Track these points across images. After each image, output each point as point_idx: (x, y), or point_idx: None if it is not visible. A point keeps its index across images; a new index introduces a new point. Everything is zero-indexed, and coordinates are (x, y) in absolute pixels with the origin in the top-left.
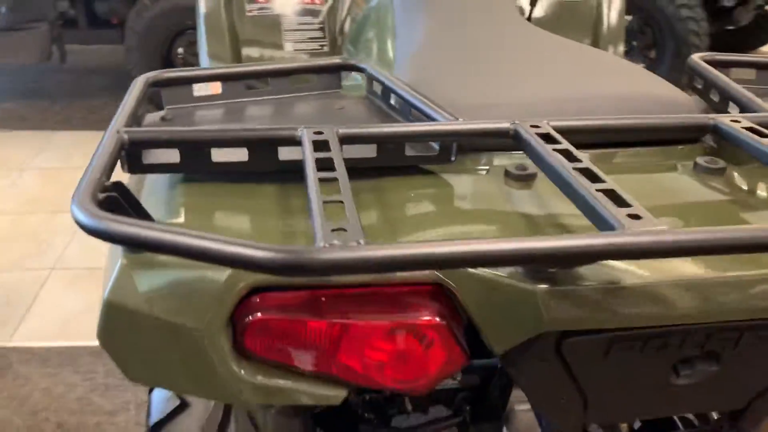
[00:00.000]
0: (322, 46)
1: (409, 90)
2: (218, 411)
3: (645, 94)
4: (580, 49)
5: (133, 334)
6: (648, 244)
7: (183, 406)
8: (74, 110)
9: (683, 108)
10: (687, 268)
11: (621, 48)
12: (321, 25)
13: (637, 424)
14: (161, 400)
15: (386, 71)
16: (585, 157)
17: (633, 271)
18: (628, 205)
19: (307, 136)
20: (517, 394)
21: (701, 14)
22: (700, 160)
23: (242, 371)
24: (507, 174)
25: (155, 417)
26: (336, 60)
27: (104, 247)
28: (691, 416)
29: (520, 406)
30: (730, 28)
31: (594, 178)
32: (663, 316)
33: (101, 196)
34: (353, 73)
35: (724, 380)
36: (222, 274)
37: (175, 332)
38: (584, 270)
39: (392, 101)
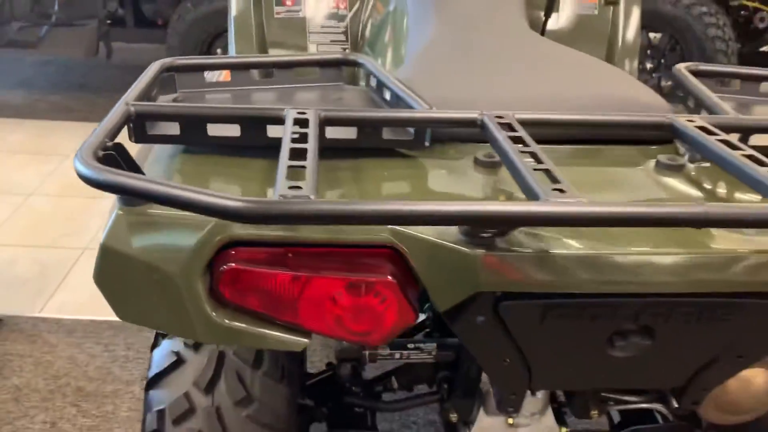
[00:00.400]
0: (344, 48)
1: (398, 83)
2: (210, 368)
3: (619, 96)
4: (573, 56)
5: (123, 277)
6: (562, 213)
7: (179, 363)
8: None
9: (655, 110)
10: (615, 241)
11: (635, 63)
12: (344, 29)
13: (617, 418)
14: (160, 356)
15: (390, 68)
16: (534, 145)
17: (563, 241)
18: (557, 182)
19: (290, 115)
20: None
21: (730, 34)
22: (662, 157)
23: (215, 314)
24: (476, 161)
25: (153, 371)
26: (337, 55)
27: None
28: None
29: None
30: (765, 50)
31: (537, 160)
32: (593, 285)
33: (101, 153)
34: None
35: (660, 356)
36: (202, 228)
37: (159, 276)
38: (518, 237)
39: (386, 94)
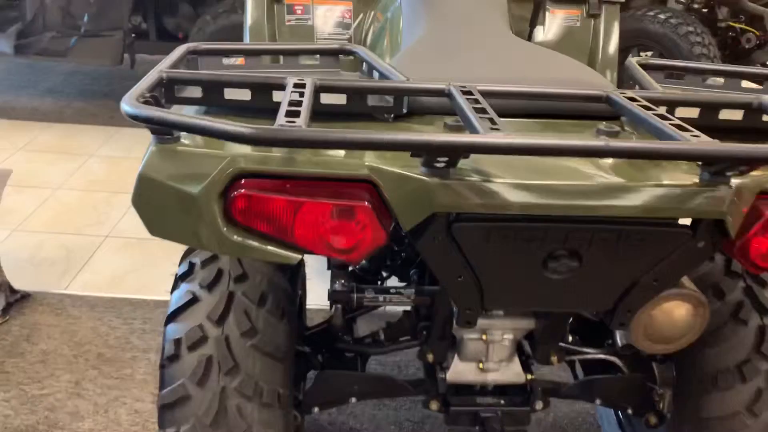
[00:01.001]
0: None
1: (384, 65)
2: (221, 305)
3: (570, 77)
4: (539, 50)
5: (155, 199)
6: (493, 142)
7: (194, 300)
8: None
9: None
10: (545, 172)
11: (615, 72)
12: (349, 36)
13: (579, 371)
14: (178, 296)
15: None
16: (486, 104)
17: (503, 172)
18: (495, 124)
19: (291, 82)
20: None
21: (715, 51)
22: (602, 126)
23: (226, 230)
24: (445, 125)
25: (172, 308)
26: (335, 45)
27: None
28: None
29: (469, 334)
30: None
31: (484, 112)
32: (525, 208)
33: (141, 99)
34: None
35: (588, 279)
36: (219, 161)
37: (184, 199)
38: (466, 168)
39: (374, 75)
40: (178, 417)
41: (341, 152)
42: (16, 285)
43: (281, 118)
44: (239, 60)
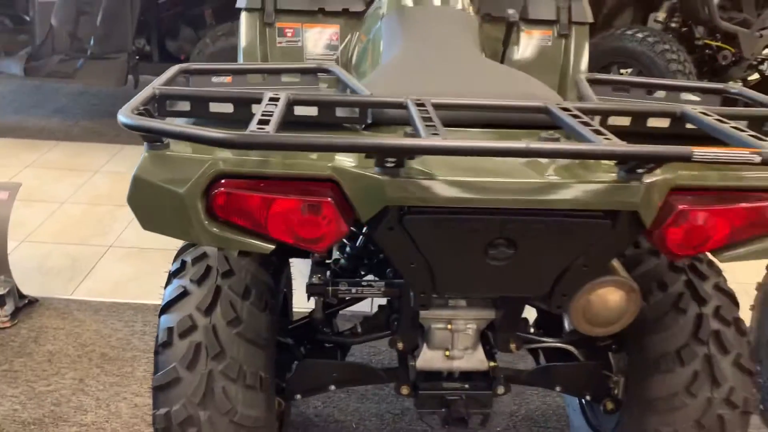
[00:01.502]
0: None
1: (354, 82)
2: (209, 297)
3: (521, 91)
4: (500, 68)
5: (147, 198)
6: (430, 145)
7: (185, 294)
8: None
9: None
10: (481, 171)
11: None
12: (336, 57)
13: (542, 361)
14: (171, 290)
15: (352, 75)
16: (434, 114)
17: (444, 171)
18: (436, 130)
19: (267, 96)
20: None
21: (690, 68)
22: (544, 134)
23: (208, 224)
24: (405, 134)
25: (165, 301)
26: (313, 65)
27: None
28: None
29: (436, 324)
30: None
31: (430, 121)
32: (465, 201)
33: (136, 111)
34: None
35: (525, 265)
36: (201, 164)
37: (172, 197)
38: (413, 167)
39: (347, 90)
40: (170, 397)
41: (309, 155)
42: (25, 291)
43: (253, 125)
44: (227, 79)
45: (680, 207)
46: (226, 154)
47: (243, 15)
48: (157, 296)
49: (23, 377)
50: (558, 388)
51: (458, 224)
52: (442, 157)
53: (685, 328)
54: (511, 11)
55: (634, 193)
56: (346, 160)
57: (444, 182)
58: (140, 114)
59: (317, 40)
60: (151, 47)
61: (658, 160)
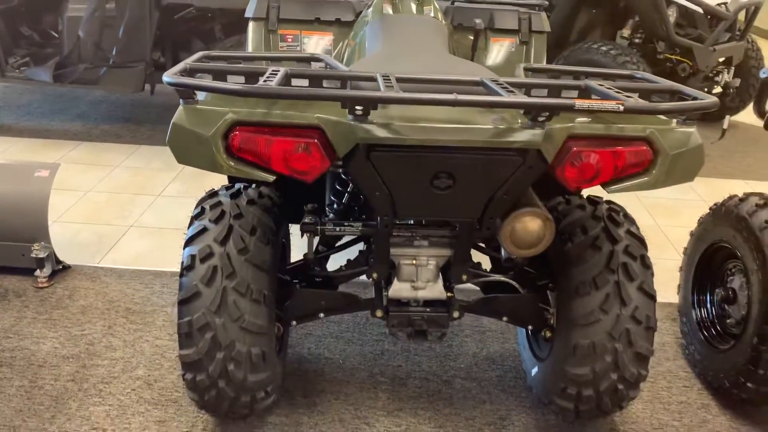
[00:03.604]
0: None
1: (340, 66)
2: (223, 232)
3: (470, 73)
4: (457, 60)
5: (182, 139)
6: (385, 96)
7: (204, 230)
8: (157, 132)
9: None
10: (427, 119)
11: None
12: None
13: (487, 291)
14: (193, 228)
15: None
16: (395, 83)
17: (401, 116)
18: (391, 88)
19: (269, 70)
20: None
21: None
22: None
23: (226, 158)
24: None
25: (188, 236)
26: (307, 54)
27: (167, 214)
28: (517, 284)
29: (404, 260)
30: None
31: (389, 84)
32: (414, 140)
33: (179, 73)
34: None
35: (462, 193)
36: (222, 115)
37: (200, 138)
38: (376, 115)
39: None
40: (192, 308)
41: (300, 109)
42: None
43: (260, 82)
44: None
45: (574, 149)
46: (239, 108)
47: (250, 23)
48: (172, 265)
49: (61, 324)
50: (505, 318)
51: (411, 159)
52: (401, 110)
53: (599, 261)
54: (477, 21)
55: (537, 136)
56: (328, 112)
57: (398, 126)
58: (181, 72)
59: (314, 44)
60: (166, 58)
61: (550, 109)
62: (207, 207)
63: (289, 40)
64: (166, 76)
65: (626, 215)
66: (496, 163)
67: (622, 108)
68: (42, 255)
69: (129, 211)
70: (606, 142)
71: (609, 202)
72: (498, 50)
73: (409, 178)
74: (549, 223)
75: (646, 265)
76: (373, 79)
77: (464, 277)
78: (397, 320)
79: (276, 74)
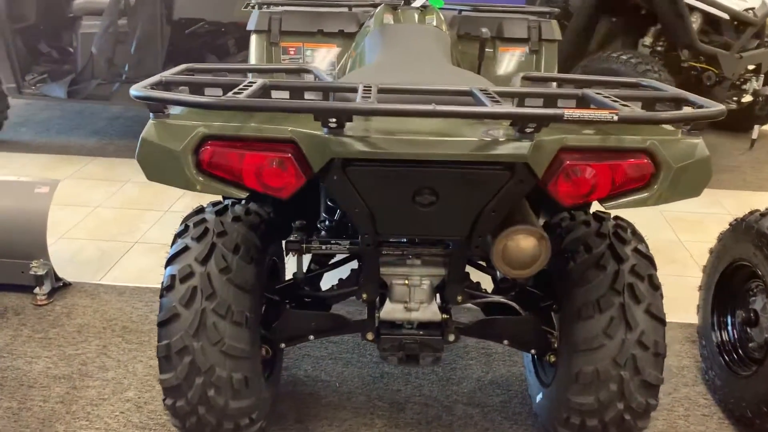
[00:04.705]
0: None
1: (325, 77)
2: (205, 250)
3: (462, 82)
4: (454, 69)
5: (151, 155)
6: (358, 108)
7: (186, 248)
8: None
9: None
10: (407, 132)
11: None
12: (333, 71)
13: (487, 313)
14: (176, 247)
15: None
16: (374, 94)
17: (378, 129)
18: (368, 99)
19: (246, 81)
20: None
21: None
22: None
23: (196, 174)
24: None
25: (170, 254)
26: (297, 66)
27: (174, 230)
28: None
29: (396, 280)
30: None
31: (368, 95)
32: (393, 154)
33: (147, 86)
34: None
35: (446, 210)
36: (192, 129)
37: (170, 153)
38: (351, 128)
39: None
40: (171, 331)
41: (275, 121)
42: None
43: (229, 95)
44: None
45: (567, 162)
46: (210, 121)
47: (252, 36)
48: None
49: (56, 343)
50: (506, 342)
51: (389, 174)
52: (384, 123)
53: (604, 281)
54: (484, 30)
55: (524, 148)
56: (303, 125)
57: (374, 140)
58: (150, 86)
59: (318, 57)
60: None
61: (537, 119)
62: (191, 224)
63: (292, 52)
64: (134, 89)
65: (634, 232)
66: (482, 177)
67: (616, 118)
68: (41, 272)
69: (136, 227)
70: (602, 155)
71: (617, 218)
72: (507, 60)
73: (388, 194)
74: (544, 242)
75: (655, 286)
76: (353, 90)
77: (459, 298)
78: (388, 344)
79: (250, 86)
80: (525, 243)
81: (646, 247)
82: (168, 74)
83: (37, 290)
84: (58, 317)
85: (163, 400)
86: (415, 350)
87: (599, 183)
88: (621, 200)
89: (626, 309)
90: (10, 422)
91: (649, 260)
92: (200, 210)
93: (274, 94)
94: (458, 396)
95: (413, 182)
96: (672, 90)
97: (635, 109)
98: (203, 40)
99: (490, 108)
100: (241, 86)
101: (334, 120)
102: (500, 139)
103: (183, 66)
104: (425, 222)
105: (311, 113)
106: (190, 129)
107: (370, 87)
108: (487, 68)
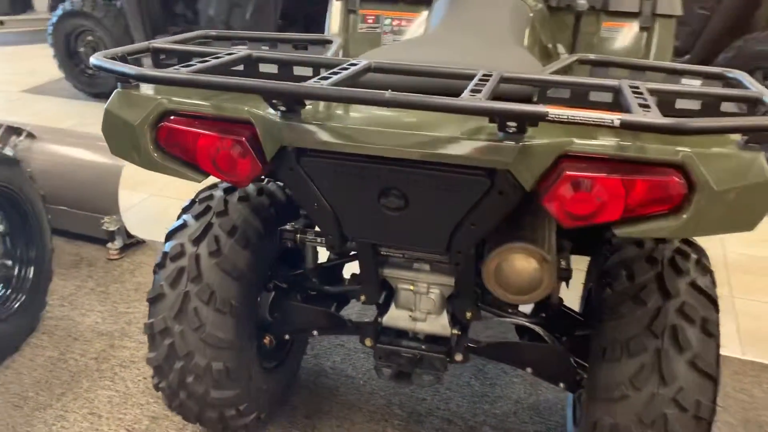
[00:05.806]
0: None
1: (339, 51)
2: (199, 230)
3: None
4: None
5: (114, 127)
6: (308, 91)
7: (184, 225)
8: None
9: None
10: (370, 122)
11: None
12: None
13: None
14: (176, 223)
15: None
16: (355, 72)
17: (335, 117)
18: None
19: (232, 51)
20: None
21: None
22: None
23: (152, 150)
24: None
25: (170, 229)
26: (320, 36)
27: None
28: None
29: (402, 285)
30: None
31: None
32: (351, 147)
33: (110, 56)
34: None
35: (418, 217)
36: (153, 101)
37: (129, 127)
38: (306, 113)
39: None
40: (156, 310)
41: (234, 99)
42: (140, 236)
43: (178, 67)
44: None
45: (567, 173)
46: (173, 95)
47: (332, 2)
48: None
49: (112, 299)
50: (529, 369)
51: (348, 169)
52: (341, 110)
53: (641, 319)
54: (581, 1)
55: (506, 152)
56: (260, 106)
57: (330, 129)
58: (120, 57)
59: (395, 26)
60: None
61: (514, 117)
62: (197, 200)
63: (370, 21)
64: (94, 58)
65: (699, 261)
66: (455, 183)
67: (617, 122)
68: (112, 228)
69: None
70: (617, 166)
71: (686, 241)
72: (611, 37)
73: (349, 192)
74: (547, 266)
75: (708, 333)
76: (368, 68)
77: (469, 314)
78: (383, 353)
79: (235, 57)
80: (521, 264)
81: (711, 282)
82: (161, 41)
83: (109, 245)
84: (122, 273)
85: (153, 376)
86: (408, 368)
87: (609, 203)
88: (641, 227)
89: (662, 356)
90: (45, 371)
91: (709, 299)
92: (214, 185)
93: (262, 67)
94: (487, 416)
95: (375, 181)
96: (755, 88)
97: (649, 113)
98: (317, 5)
99: (457, 101)
100: (223, 59)
101: (280, 103)
102: (481, 140)
103: (197, 32)
104: (395, 229)
105: (258, 93)
106: (150, 101)
107: (357, 64)
108: (584, 47)
